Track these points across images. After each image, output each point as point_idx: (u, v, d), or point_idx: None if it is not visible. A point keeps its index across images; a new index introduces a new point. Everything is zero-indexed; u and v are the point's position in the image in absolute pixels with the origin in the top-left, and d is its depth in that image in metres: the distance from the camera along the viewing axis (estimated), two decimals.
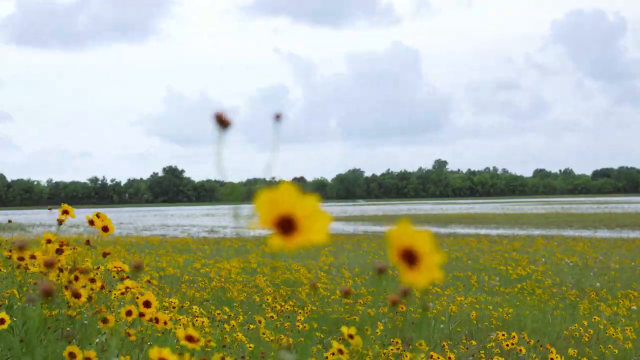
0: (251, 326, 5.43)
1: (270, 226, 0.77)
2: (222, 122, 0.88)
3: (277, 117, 0.95)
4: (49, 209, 2.67)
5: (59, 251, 2.19)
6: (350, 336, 1.74)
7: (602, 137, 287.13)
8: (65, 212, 2.36)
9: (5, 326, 2.06)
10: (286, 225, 0.77)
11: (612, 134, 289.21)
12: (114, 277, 2.41)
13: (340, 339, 1.84)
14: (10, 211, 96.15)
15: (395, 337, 3.98)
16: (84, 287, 2.20)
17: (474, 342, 6.61)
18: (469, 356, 6.35)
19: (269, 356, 4.28)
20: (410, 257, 0.81)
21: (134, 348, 2.61)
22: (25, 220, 48.48)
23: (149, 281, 2.67)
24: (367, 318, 7.14)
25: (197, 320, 4.21)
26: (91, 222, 2.25)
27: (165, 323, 2.12)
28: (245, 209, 0.93)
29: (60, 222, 2.34)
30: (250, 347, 4.78)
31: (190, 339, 1.67)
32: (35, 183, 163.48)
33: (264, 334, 4.76)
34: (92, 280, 2.18)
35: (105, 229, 2.25)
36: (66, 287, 2.13)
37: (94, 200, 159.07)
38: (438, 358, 3.40)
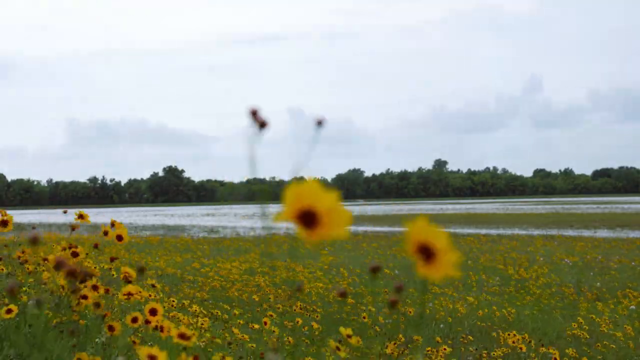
0: (255, 326, 5.43)
1: (294, 219, 0.81)
2: (259, 122, 0.91)
3: (319, 123, 0.97)
4: (64, 212, 2.71)
5: (74, 254, 2.20)
6: (349, 336, 1.75)
7: (602, 137, 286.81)
8: (81, 216, 2.38)
9: (12, 315, 2.08)
10: (309, 219, 0.82)
11: (613, 134, 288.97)
12: (113, 275, 2.42)
13: (339, 340, 1.84)
14: (10, 211, 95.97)
15: (394, 337, 3.98)
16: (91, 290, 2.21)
17: (471, 338, 6.61)
18: (469, 356, 6.36)
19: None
20: (426, 253, 0.86)
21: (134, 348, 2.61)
22: (25, 220, 48.47)
23: (153, 285, 2.67)
24: (368, 318, 7.14)
25: (197, 320, 4.21)
26: (105, 233, 2.27)
27: (169, 331, 2.13)
28: (272, 207, 0.96)
29: (73, 227, 2.36)
30: (252, 346, 4.79)
31: (182, 336, 1.68)
32: (35, 183, 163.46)
33: (266, 332, 4.76)
34: (95, 287, 2.18)
35: (119, 237, 2.26)
36: (73, 292, 2.14)
37: (94, 200, 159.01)
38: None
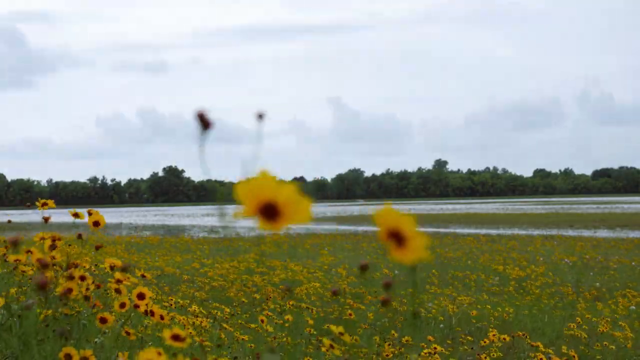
0: (252, 325, 5.44)
1: (255, 214, 0.81)
2: (204, 123, 0.90)
3: (260, 116, 0.97)
4: (27, 206, 2.72)
5: (52, 247, 2.20)
6: (341, 334, 1.75)
7: (602, 137, 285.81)
8: (45, 204, 2.39)
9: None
10: (270, 212, 0.82)
11: (613, 134, 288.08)
12: (107, 271, 2.42)
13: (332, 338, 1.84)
14: (10, 211, 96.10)
15: (389, 336, 3.99)
16: (79, 284, 2.21)
17: (470, 338, 6.62)
18: (468, 356, 6.36)
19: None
20: (397, 238, 0.87)
21: (134, 347, 2.61)
22: (25, 220, 48.45)
23: (143, 275, 2.66)
24: (365, 318, 7.15)
25: (197, 319, 4.21)
26: (75, 215, 2.27)
27: (161, 317, 2.13)
28: (231, 208, 0.95)
29: (45, 219, 2.37)
30: (251, 346, 4.79)
31: (176, 337, 1.67)
32: (35, 183, 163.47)
33: (266, 332, 4.77)
34: (83, 278, 2.18)
35: (96, 223, 2.27)
36: (69, 278, 2.14)
37: (94, 200, 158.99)
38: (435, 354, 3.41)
